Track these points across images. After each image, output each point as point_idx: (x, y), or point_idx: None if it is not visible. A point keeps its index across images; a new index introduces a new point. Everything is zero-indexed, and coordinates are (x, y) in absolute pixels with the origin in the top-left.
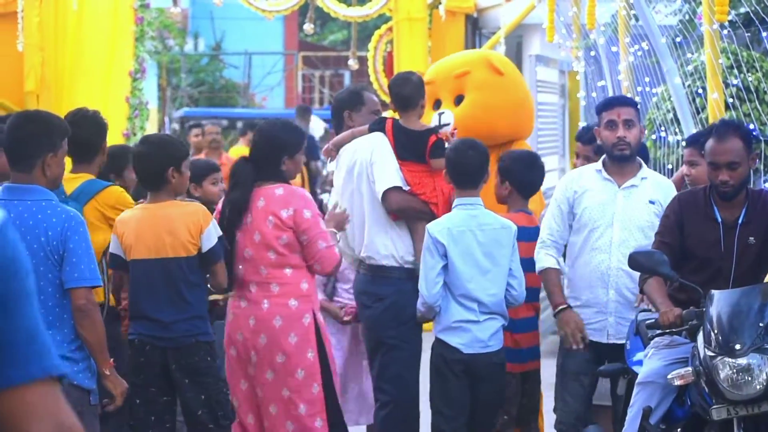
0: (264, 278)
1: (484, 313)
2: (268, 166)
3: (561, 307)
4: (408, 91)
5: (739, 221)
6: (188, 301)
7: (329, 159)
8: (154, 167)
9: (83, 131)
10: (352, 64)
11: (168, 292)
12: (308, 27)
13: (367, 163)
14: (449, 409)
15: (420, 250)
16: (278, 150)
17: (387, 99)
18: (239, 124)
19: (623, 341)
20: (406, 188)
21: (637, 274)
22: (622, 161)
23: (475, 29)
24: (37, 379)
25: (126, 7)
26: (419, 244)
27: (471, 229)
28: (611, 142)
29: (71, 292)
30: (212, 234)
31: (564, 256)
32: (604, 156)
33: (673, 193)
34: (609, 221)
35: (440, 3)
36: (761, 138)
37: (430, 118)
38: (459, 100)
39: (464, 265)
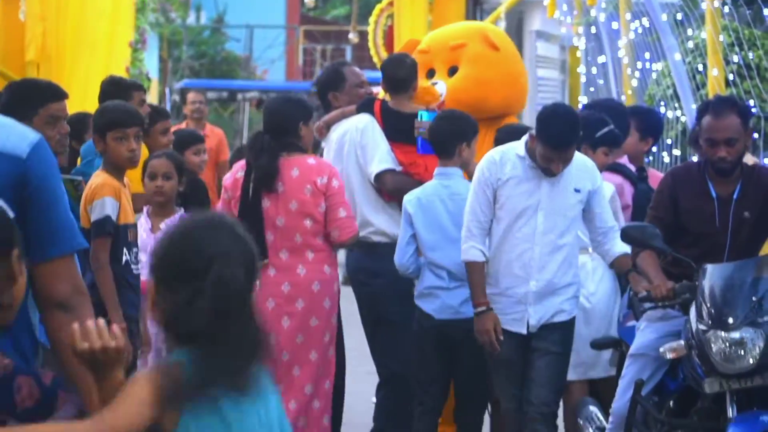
0: (298, 245)
1: (454, 281)
2: (287, 138)
3: (482, 309)
4: (402, 74)
5: (734, 196)
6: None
7: (320, 137)
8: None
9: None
10: (353, 38)
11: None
12: (309, 0)
13: (357, 145)
14: (423, 375)
15: None
16: (294, 119)
17: None
18: (239, 96)
19: (547, 323)
20: (399, 169)
21: (560, 262)
22: None
23: (476, 4)
24: (65, 254)
25: None
26: None
27: (442, 198)
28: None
29: None
30: (95, 209)
31: None
32: (527, 139)
33: (596, 171)
34: (534, 210)
35: None
36: (761, 115)
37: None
38: (452, 71)
39: (428, 234)
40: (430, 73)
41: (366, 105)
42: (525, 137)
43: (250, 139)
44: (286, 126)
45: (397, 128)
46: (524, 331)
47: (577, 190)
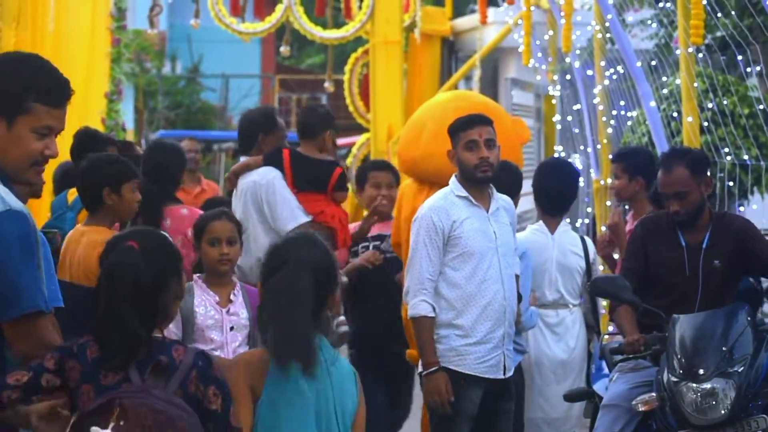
0: None
1: None
2: (169, 186)
3: (435, 368)
4: (313, 121)
5: (704, 245)
6: None
7: (230, 187)
8: (89, 186)
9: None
10: (329, 86)
11: None
12: (284, 49)
13: (260, 201)
14: None
15: None
16: (179, 167)
17: (362, 121)
18: (215, 147)
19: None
20: (309, 219)
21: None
22: (485, 183)
23: (451, 53)
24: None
25: (103, 29)
26: None
27: None
28: (473, 164)
29: None
30: None
31: None
32: (456, 179)
33: (512, 205)
34: (493, 250)
35: (416, 26)
36: (735, 162)
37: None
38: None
39: None
40: None
41: (272, 156)
42: (452, 178)
43: (144, 188)
44: (171, 173)
45: (307, 176)
46: (501, 375)
47: (511, 224)
